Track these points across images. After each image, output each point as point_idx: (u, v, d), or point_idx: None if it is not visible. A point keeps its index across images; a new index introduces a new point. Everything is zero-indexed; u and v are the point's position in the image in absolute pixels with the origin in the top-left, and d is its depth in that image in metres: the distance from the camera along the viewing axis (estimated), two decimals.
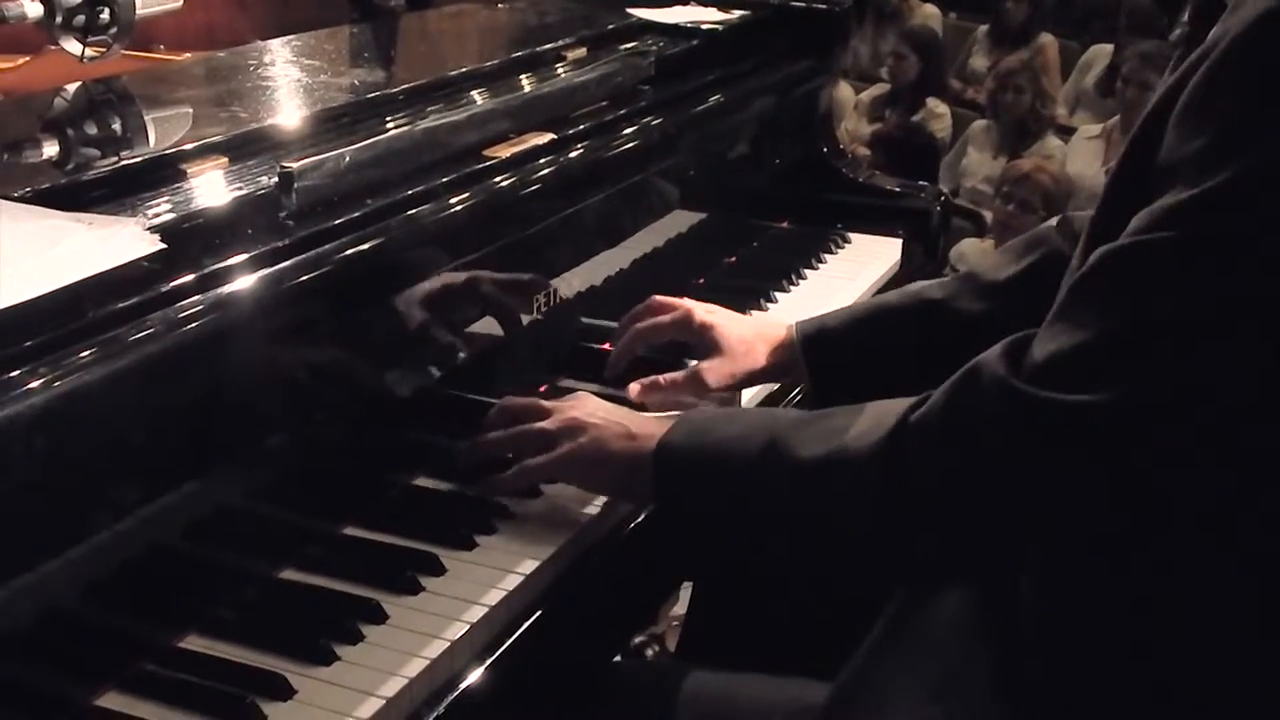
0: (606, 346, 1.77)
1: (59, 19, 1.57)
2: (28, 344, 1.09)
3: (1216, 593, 1.14)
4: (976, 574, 1.25)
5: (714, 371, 1.66)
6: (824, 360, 1.66)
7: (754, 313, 2.03)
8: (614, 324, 1.77)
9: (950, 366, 1.62)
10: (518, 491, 1.45)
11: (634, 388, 1.63)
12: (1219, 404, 1.08)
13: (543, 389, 1.71)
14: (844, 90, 6.54)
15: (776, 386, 1.78)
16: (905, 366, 1.64)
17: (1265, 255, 1.04)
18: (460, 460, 1.49)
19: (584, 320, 1.83)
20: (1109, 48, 6.62)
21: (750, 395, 1.75)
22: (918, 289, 1.68)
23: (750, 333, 1.70)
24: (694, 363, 1.69)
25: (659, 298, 1.75)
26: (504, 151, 1.68)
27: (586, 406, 1.46)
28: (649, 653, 2.68)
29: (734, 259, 2.27)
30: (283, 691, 1.17)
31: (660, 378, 1.65)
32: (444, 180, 1.57)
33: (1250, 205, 1.04)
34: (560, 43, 2.06)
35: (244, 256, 1.30)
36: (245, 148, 1.47)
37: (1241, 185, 1.04)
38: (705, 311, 1.71)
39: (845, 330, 1.67)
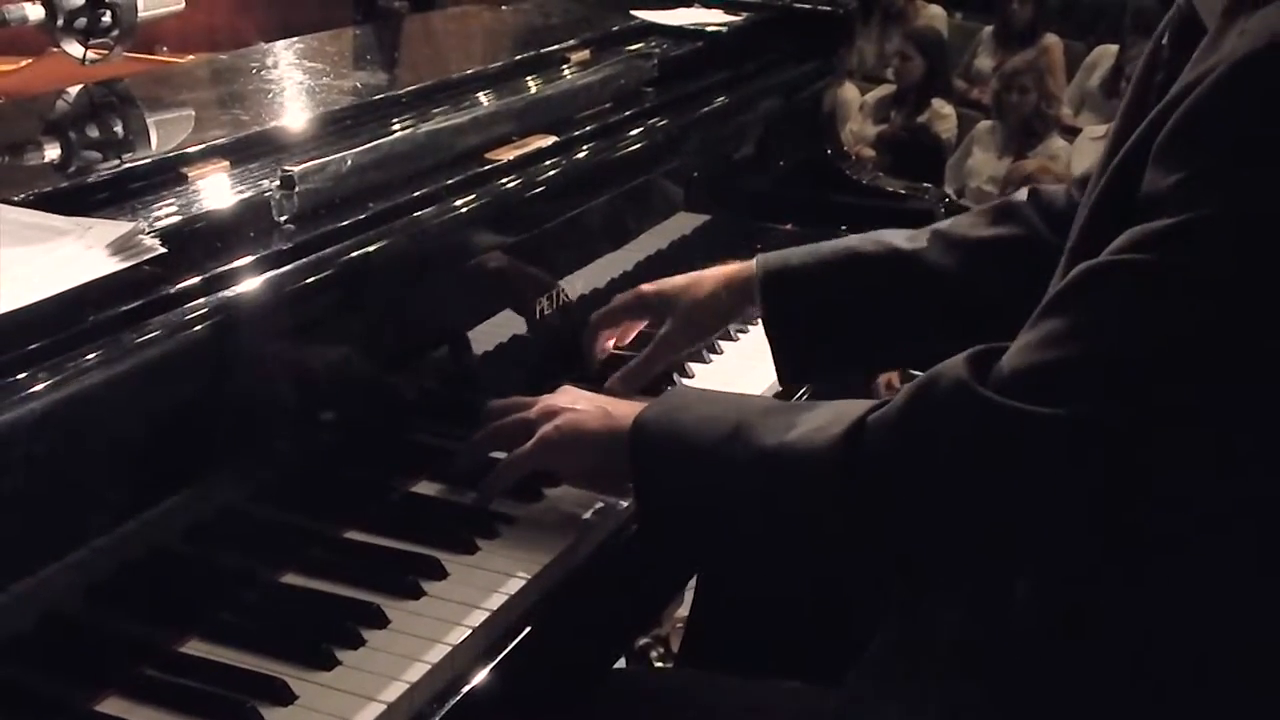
0: (618, 350, 1.77)
1: (60, 21, 1.57)
2: (29, 348, 1.09)
3: (1202, 608, 1.14)
4: (968, 592, 1.25)
5: (674, 331, 1.65)
6: (783, 297, 1.63)
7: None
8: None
9: (910, 319, 1.61)
10: (507, 487, 1.44)
11: (613, 381, 1.63)
12: (1181, 429, 1.08)
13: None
14: (849, 91, 6.54)
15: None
16: (866, 313, 1.63)
17: (1236, 292, 1.05)
18: (457, 467, 1.49)
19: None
20: (1114, 48, 6.61)
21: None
22: (887, 238, 1.66)
23: (702, 277, 1.69)
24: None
25: (620, 296, 1.74)
26: (507, 154, 1.68)
27: (566, 396, 1.46)
28: (653, 655, 2.68)
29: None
30: (284, 696, 1.17)
31: (630, 363, 1.64)
32: (447, 183, 1.57)
33: (1227, 242, 1.04)
34: (564, 45, 2.06)
35: (246, 260, 1.30)
36: (247, 150, 1.47)
37: (1221, 222, 1.04)
38: (652, 283, 1.70)
39: (810, 271, 1.64)
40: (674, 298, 1.67)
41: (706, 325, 1.69)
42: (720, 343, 1.87)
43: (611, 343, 1.73)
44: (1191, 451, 1.09)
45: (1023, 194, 1.65)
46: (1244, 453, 1.09)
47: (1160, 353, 1.07)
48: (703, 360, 1.84)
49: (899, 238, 1.64)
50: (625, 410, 1.37)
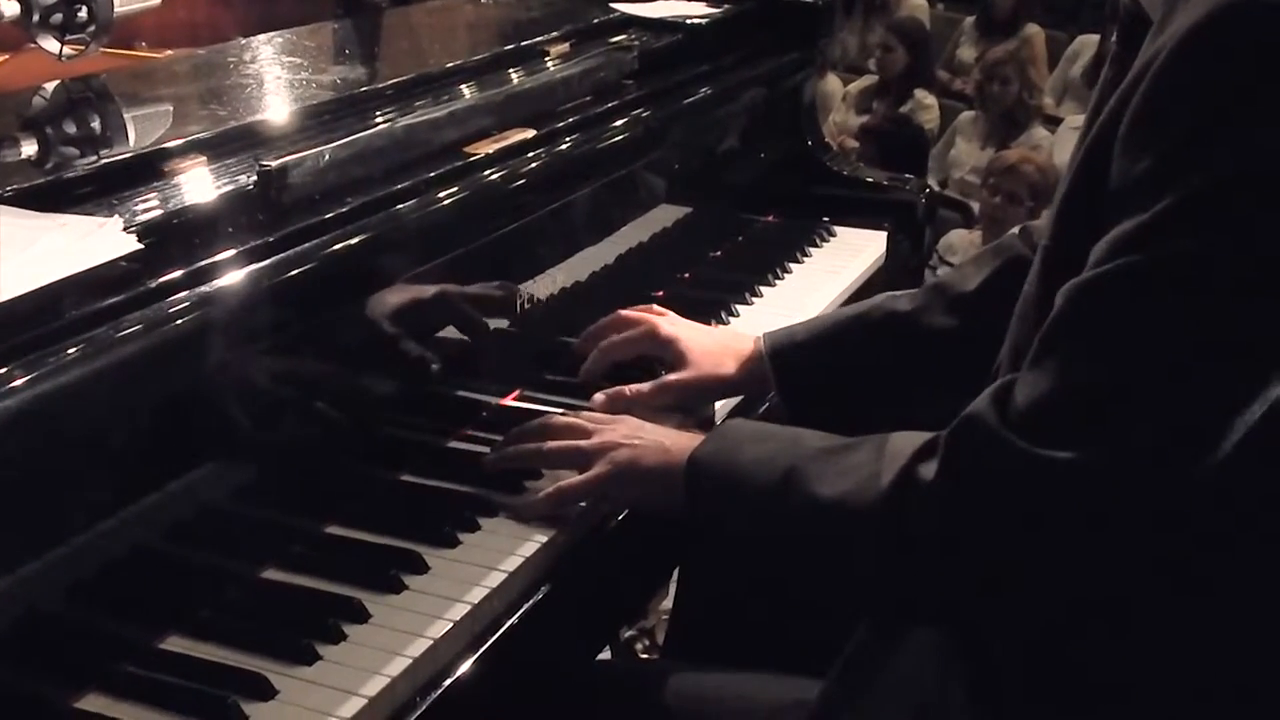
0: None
1: (36, 17, 1.56)
2: (6, 344, 1.09)
3: (1195, 627, 1.13)
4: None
5: (681, 383, 1.66)
6: (793, 376, 1.65)
7: (739, 307, 2.03)
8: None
9: (919, 382, 1.62)
10: (549, 512, 1.44)
11: (598, 398, 1.62)
12: (1214, 443, 1.04)
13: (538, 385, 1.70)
14: (832, 82, 6.54)
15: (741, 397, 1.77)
16: (874, 381, 1.65)
17: (1238, 267, 1.02)
18: (485, 468, 1.50)
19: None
20: (1095, 38, 6.61)
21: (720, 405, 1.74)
22: (888, 301, 1.67)
23: (716, 345, 1.70)
24: (663, 374, 1.68)
25: (623, 312, 1.74)
26: (487, 147, 1.68)
27: (626, 427, 1.46)
28: (638, 647, 2.68)
29: (719, 253, 2.27)
30: (265, 691, 1.17)
31: (625, 389, 1.64)
32: (427, 177, 1.56)
33: (1212, 217, 1.02)
34: (544, 38, 2.05)
35: (225, 254, 1.30)
36: (226, 145, 1.46)
37: (1200, 198, 1.02)
38: (669, 325, 1.71)
39: (814, 345, 1.66)
40: (687, 354, 1.67)
41: (710, 395, 1.71)
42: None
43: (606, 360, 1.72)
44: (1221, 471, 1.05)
45: (1014, 231, 1.66)
46: None
47: (1178, 357, 1.04)
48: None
49: (901, 301, 1.65)
50: (683, 445, 1.37)
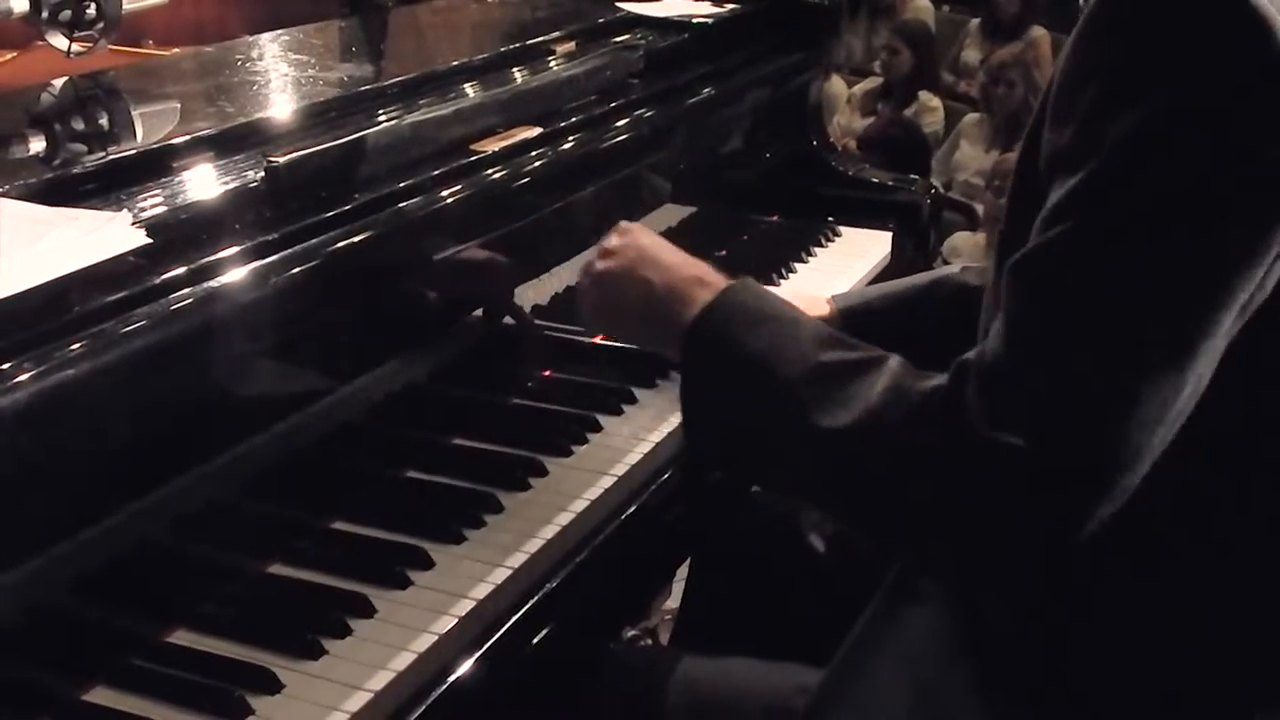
0: (597, 340, 1.77)
1: (45, 14, 1.57)
2: (13, 339, 1.09)
3: (1193, 598, 1.14)
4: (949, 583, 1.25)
5: None
6: (866, 341, 1.64)
7: None
8: None
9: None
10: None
11: None
12: (1161, 402, 1.04)
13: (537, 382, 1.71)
14: (837, 84, 6.54)
15: None
16: (944, 353, 1.63)
17: (1146, 231, 1.03)
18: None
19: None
20: None
21: None
22: (960, 274, 1.66)
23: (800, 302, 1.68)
24: None
25: None
26: (493, 145, 1.68)
27: (621, 239, 1.45)
28: (641, 646, 2.68)
29: (724, 253, 2.27)
30: (270, 685, 1.17)
31: None
32: (433, 174, 1.57)
33: (1138, 172, 1.03)
34: (549, 36, 2.06)
35: (231, 251, 1.30)
36: (233, 142, 1.47)
37: (1123, 154, 1.03)
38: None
39: (886, 312, 1.66)
40: None
41: None
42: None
43: None
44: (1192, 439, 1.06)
45: None
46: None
47: (1120, 321, 1.04)
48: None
49: (970, 274, 1.65)
50: (676, 288, 1.34)
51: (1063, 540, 1.06)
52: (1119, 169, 1.04)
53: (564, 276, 1.81)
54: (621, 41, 2.13)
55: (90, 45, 1.63)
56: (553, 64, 1.97)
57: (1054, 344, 1.06)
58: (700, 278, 1.34)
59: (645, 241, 1.44)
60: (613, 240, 1.45)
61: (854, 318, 1.65)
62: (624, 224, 1.48)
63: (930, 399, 1.12)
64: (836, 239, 2.35)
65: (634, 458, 1.55)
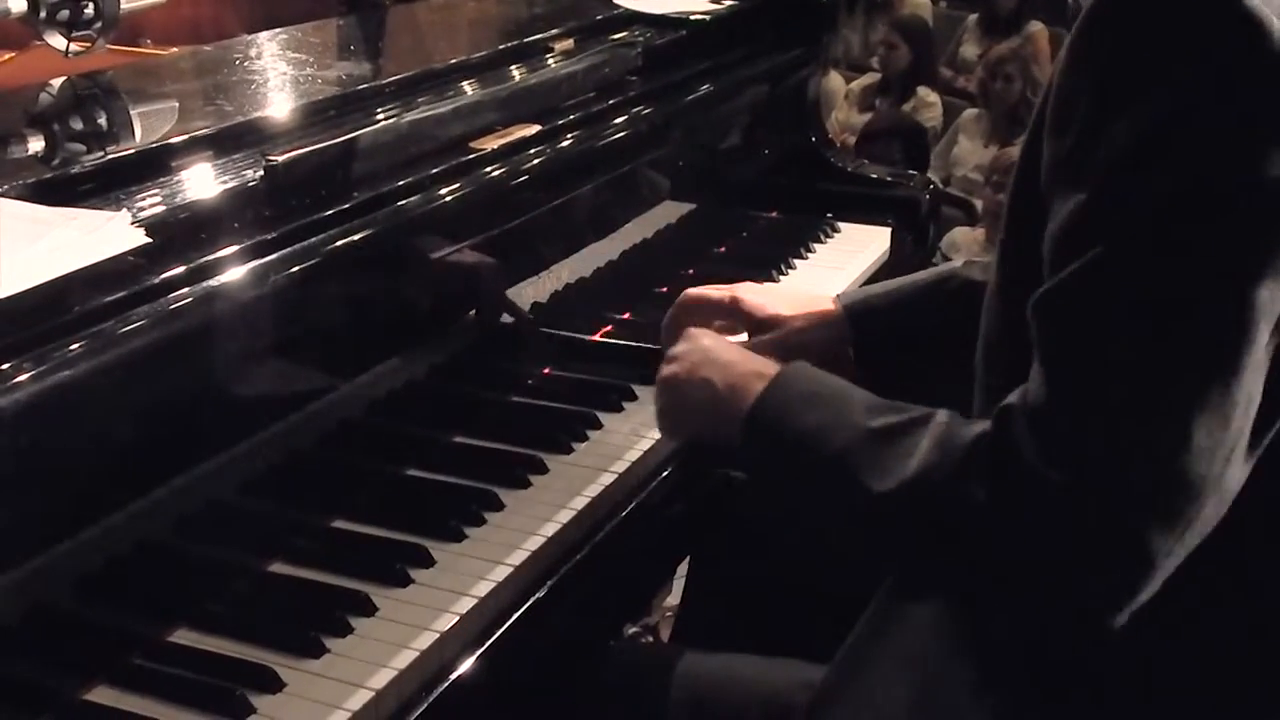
0: (595, 337, 1.77)
1: (43, 14, 1.57)
2: (13, 339, 1.09)
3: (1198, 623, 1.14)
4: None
5: (763, 347, 1.61)
6: (870, 340, 1.64)
7: None
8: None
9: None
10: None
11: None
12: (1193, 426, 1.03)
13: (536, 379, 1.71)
14: (835, 80, 6.53)
15: None
16: (949, 350, 1.61)
17: (1174, 241, 1.03)
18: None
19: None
20: None
21: None
22: (963, 270, 1.65)
23: (793, 309, 1.68)
24: (744, 337, 1.66)
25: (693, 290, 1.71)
26: (492, 143, 1.68)
27: (687, 344, 1.46)
28: (642, 644, 2.68)
29: (723, 249, 2.27)
30: (272, 684, 1.17)
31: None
32: (431, 172, 1.57)
33: (1135, 198, 1.03)
34: (547, 34, 2.05)
35: (230, 249, 1.30)
36: (231, 141, 1.47)
37: (1119, 180, 1.04)
38: (752, 293, 1.69)
39: (891, 310, 1.65)
40: (776, 322, 1.66)
41: (789, 356, 1.69)
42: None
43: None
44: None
45: None
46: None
47: (1152, 347, 1.03)
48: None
49: (974, 270, 1.64)
50: (738, 384, 1.35)
51: (1133, 577, 1.06)
52: (1122, 188, 1.04)
53: (563, 274, 1.81)
54: (620, 38, 2.13)
55: (88, 45, 1.63)
56: (551, 61, 1.97)
57: (1093, 382, 1.06)
58: (759, 371, 1.36)
59: (707, 344, 1.46)
60: (678, 346, 1.47)
61: (859, 316, 1.65)
62: (690, 329, 1.51)
63: (977, 446, 1.12)
64: (835, 235, 2.35)
65: (634, 455, 1.55)
